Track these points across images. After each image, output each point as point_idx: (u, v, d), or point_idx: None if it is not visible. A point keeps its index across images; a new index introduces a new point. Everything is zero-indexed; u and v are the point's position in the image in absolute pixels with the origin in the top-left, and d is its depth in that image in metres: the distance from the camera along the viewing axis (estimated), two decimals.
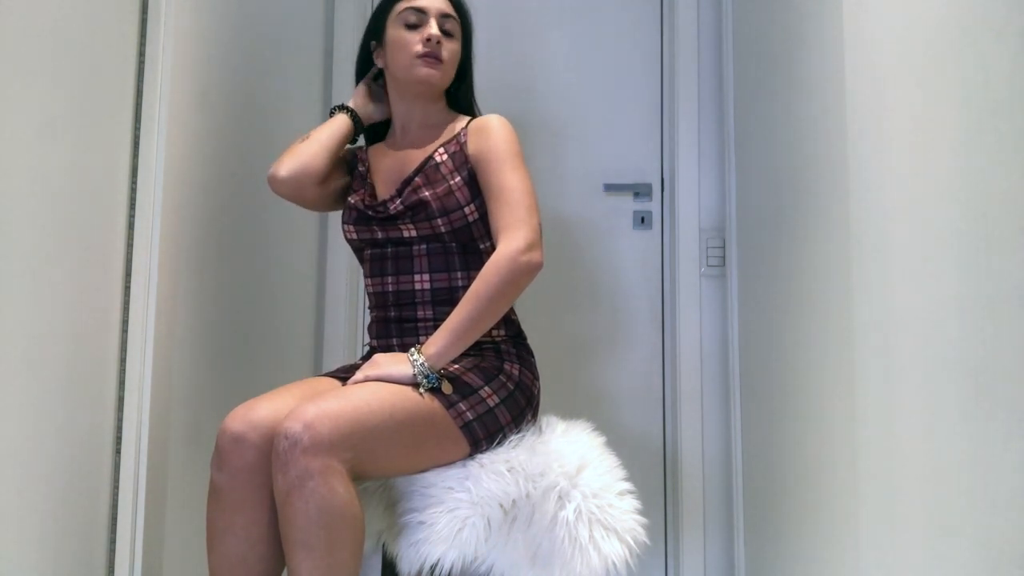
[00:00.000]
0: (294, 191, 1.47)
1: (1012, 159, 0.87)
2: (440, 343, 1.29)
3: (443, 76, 1.48)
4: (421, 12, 1.47)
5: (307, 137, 1.50)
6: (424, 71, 1.46)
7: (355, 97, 1.58)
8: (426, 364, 1.27)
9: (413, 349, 1.29)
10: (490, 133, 1.43)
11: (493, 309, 1.31)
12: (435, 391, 1.27)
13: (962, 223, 0.96)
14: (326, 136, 1.50)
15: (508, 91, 2.26)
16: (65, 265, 1.19)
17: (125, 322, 1.34)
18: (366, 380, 1.25)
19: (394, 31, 1.48)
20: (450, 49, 1.48)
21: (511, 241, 1.33)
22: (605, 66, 2.28)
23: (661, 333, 2.20)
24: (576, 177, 2.25)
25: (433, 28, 1.46)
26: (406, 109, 1.53)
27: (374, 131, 1.63)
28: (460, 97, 1.57)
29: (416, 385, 1.26)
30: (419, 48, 1.45)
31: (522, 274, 1.32)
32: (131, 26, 1.36)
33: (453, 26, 1.49)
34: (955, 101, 0.98)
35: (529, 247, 1.32)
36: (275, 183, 1.45)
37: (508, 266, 1.31)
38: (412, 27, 1.47)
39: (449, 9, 1.49)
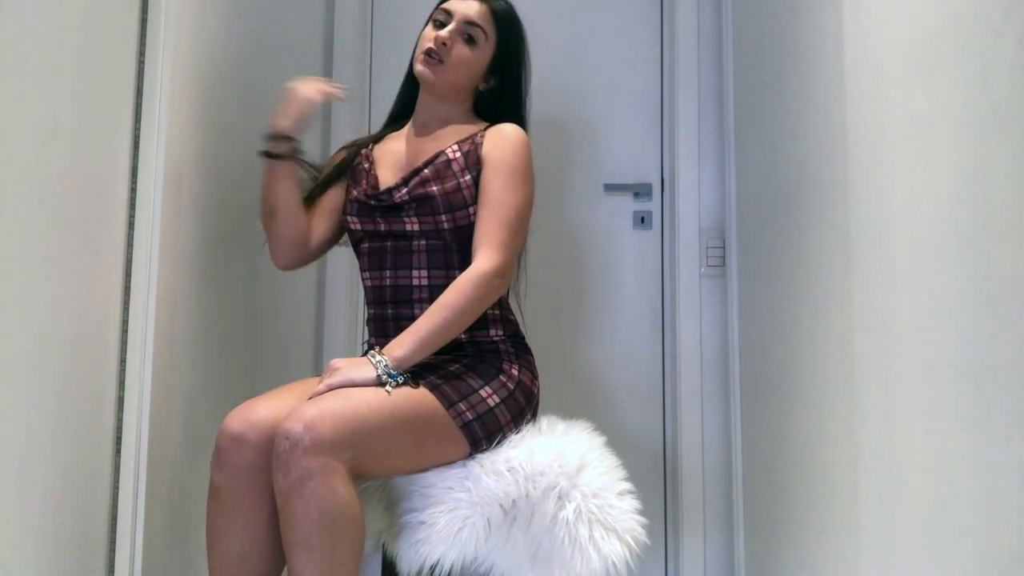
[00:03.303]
0: (306, 259, 1.54)
1: (1012, 159, 0.87)
2: (407, 347, 1.29)
3: (438, 77, 1.47)
4: (448, 13, 1.50)
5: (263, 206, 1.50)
6: (418, 67, 1.48)
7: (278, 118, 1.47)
8: (389, 365, 1.26)
9: (374, 352, 1.29)
10: (505, 141, 1.45)
11: (462, 321, 1.34)
12: (436, 390, 1.27)
13: (962, 223, 0.96)
14: (278, 201, 1.47)
15: None
16: (65, 265, 1.19)
17: (125, 322, 1.34)
18: (329, 389, 1.23)
19: (425, 27, 1.52)
20: (459, 54, 1.48)
21: (488, 261, 1.35)
22: (605, 66, 2.28)
23: (661, 333, 2.20)
24: (576, 177, 2.25)
25: (446, 30, 1.47)
26: (425, 105, 1.54)
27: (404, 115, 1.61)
28: (491, 107, 1.56)
29: (381, 385, 1.24)
30: (428, 45, 1.47)
31: (491, 296, 1.37)
32: (131, 26, 1.36)
33: (477, 34, 1.49)
34: (955, 101, 0.98)
35: (501, 273, 1.37)
36: (284, 270, 1.55)
37: (483, 284, 1.34)
38: (439, 25, 1.50)
39: (477, 18, 1.49)
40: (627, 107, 2.26)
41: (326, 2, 2.22)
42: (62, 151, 1.18)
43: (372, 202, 1.45)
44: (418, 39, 1.54)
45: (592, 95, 2.28)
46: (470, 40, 1.49)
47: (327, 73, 2.21)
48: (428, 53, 1.47)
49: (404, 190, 1.42)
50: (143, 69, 1.38)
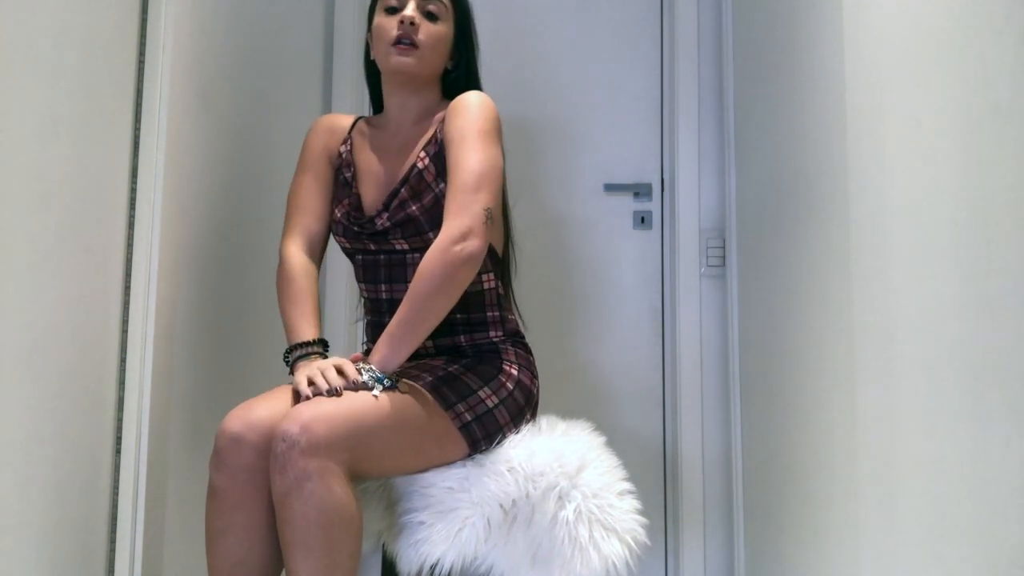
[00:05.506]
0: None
1: (1012, 159, 0.87)
2: (383, 350, 1.27)
3: (419, 63, 1.41)
4: None
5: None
6: (395, 59, 1.40)
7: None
8: (375, 369, 1.25)
9: (360, 362, 1.27)
10: (459, 113, 1.36)
11: (434, 307, 1.27)
12: (434, 391, 1.27)
13: (962, 223, 0.96)
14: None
15: (508, 91, 2.26)
16: (65, 265, 1.19)
17: (125, 322, 1.34)
18: (314, 393, 1.21)
19: (377, 18, 1.45)
20: (430, 32, 1.42)
21: (446, 229, 1.27)
22: (605, 66, 2.28)
23: (661, 333, 2.20)
24: (576, 177, 2.25)
25: (408, 10, 1.40)
26: (397, 102, 1.48)
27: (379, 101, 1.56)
28: (457, 85, 1.49)
29: (369, 389, 1.22)
30: (394, 33, 1.40)
31: (457, 266, 1.25)
32: (131, 26, 1.36)
33: (438, 8, 1.43)
34: (955, 101, 0.98)
35: (463, 236, 1.25)
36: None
37: (441, 258, 1.25)
38: (392, 11, 1.43)
39: None
40: (627, 107, 2.26)
41: (326, 2, 2.22)
42: (62, 151, 1.18)
43: (356, 228, 1.42)
44: (371, 34, 1.47)
45: (592, 95, 2.28)
46: (432, 16, 1.43)
47: (327, 73, 2.21)
48: (398, 41, 1.39)
49: (385, 215, 1.39)
50: (143, 69, 1.38)
